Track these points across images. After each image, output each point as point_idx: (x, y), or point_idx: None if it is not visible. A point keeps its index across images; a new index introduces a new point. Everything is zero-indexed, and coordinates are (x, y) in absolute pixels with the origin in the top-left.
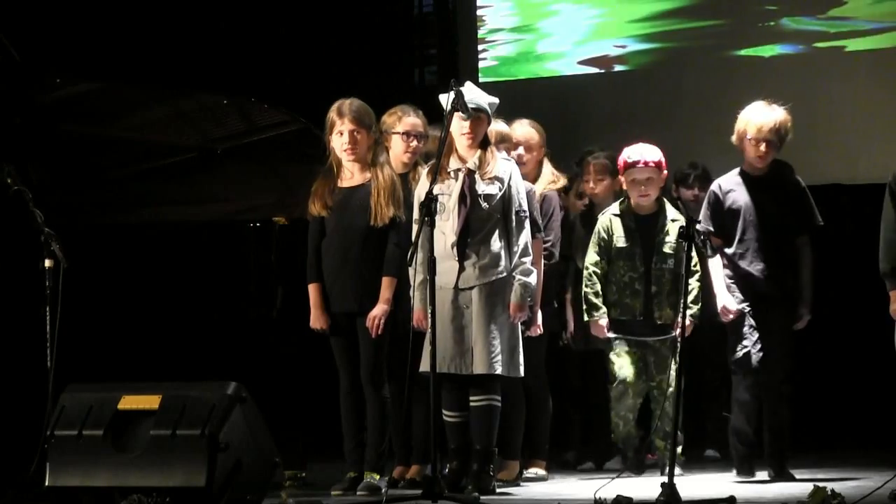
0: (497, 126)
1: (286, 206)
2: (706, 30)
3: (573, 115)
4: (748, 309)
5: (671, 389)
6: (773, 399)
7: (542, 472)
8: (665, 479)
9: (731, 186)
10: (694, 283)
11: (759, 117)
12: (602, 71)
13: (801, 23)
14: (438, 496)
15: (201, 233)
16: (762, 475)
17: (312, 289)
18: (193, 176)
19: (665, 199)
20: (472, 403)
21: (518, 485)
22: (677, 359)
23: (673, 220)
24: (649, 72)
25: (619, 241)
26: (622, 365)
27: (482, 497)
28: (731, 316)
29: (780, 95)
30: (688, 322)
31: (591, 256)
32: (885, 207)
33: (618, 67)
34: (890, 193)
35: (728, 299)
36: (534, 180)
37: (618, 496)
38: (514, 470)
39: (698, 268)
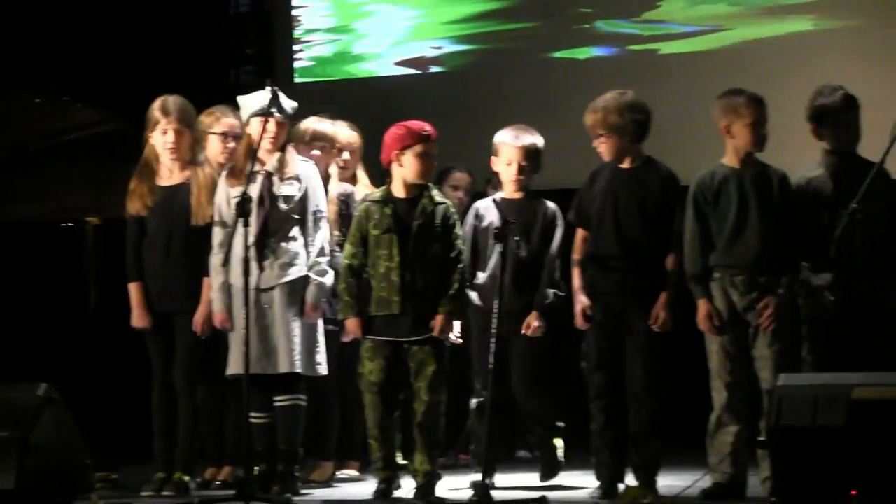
0: (319, 125)
1: (101, 207)
2: (522, 32)
3: (390, 117)
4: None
5: (427, 398)
6: (634, 407)
7: (355, 472)
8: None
9: (597, 177)
10: (453, 276)
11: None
12: (419, 72)
13: (616, 25)
14: (251, 497)
15: (13, 233)
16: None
17: (133, 288)
18: (5, 175)
19: (430, 184)
20: (276, 404)
21: (331, 486)
22: (491, 359)
23: (438, 204)
24: (466, 73)
25: (375, 229)
26: (371, 370)
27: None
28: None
29: (595, 98)
30: (441, 320)
31: (346, 249)
32: (686, 215)
33: (434, 69)
34: (693, 202)
35: (581, 306)
36: (351, 184)
37: (431, 497)
38: (328, 471)
39: (462, 257)
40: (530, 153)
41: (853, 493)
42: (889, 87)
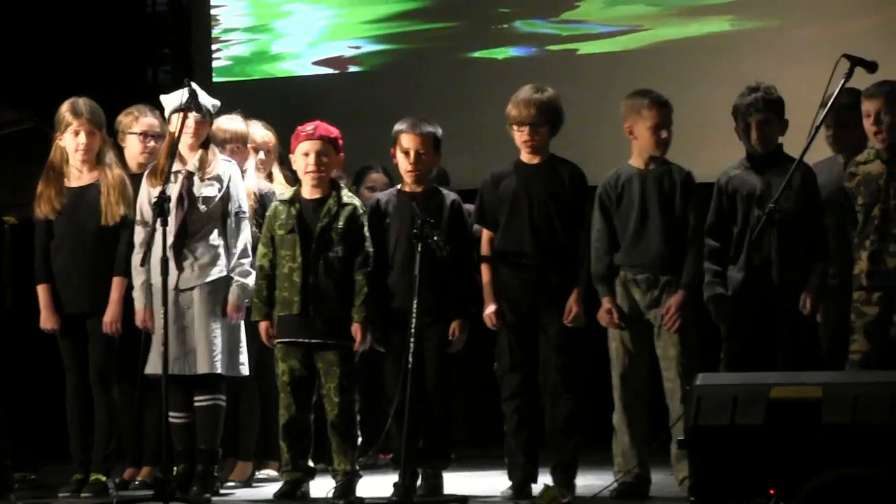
0: (233, 125)
1: (17, 206)
2: (440, 31)
3: (308, 117)
4: (509, 317)
5: (338, 399)
6: (550, 406)
7: (274, 472)
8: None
9: (499, 177)
10: (360, 279)
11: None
12: (337, 71)
13: (534, 25)
14: (170, 498)
15: None
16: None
17: (42, 290)
18: None
19: (341, 185)
20: (196, 404)
21: (250, 486)
22: (410, 358)
23: (344, 205)
24: (384, 73)
25: (280, 229)
26: (283, 371)
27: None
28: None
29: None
30: (359, 329)
31: (259, 250)
32: (594, 216)
33: (352, 68)
34: (599, 202)
35: (494, 307)
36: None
37: (350, 497)
38: (247, 471)
39: (370, 263)
40: (429, 142)
41: (772, 491)
42: (805, 86)
